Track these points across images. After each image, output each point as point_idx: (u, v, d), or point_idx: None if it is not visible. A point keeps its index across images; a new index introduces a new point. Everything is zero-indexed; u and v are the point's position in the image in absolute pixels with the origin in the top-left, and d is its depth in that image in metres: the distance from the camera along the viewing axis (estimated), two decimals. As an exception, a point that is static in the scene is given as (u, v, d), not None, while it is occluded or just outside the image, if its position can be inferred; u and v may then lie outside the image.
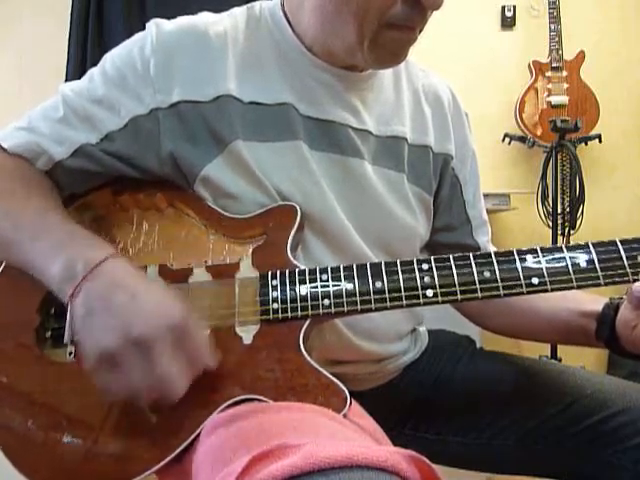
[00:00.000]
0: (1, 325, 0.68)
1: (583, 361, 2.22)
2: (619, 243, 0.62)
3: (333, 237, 0.74)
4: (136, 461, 0.59)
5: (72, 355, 0.66)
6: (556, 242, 2.26)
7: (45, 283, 0.63)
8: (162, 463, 0.59)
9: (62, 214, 0.69)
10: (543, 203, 2.31)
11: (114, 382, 0.57)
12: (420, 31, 0.72)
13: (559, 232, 2.27)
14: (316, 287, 0.64)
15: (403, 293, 0.63)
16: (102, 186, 0.76)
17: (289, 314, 0.63)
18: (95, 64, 0.77)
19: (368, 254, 0.77)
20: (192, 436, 0.59)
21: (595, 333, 0.75)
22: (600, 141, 2.36)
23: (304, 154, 0.74)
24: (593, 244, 0.63)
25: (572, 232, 2.26)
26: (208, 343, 0.60)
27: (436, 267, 0.63)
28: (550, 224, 2.28)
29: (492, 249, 0.92)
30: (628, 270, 0.61)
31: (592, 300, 0.79)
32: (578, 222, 2.25)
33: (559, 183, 2.30)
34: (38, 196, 0.70)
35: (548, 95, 2.47)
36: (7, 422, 0.63)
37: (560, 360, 2.16)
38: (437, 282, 0.63)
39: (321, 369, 0.60)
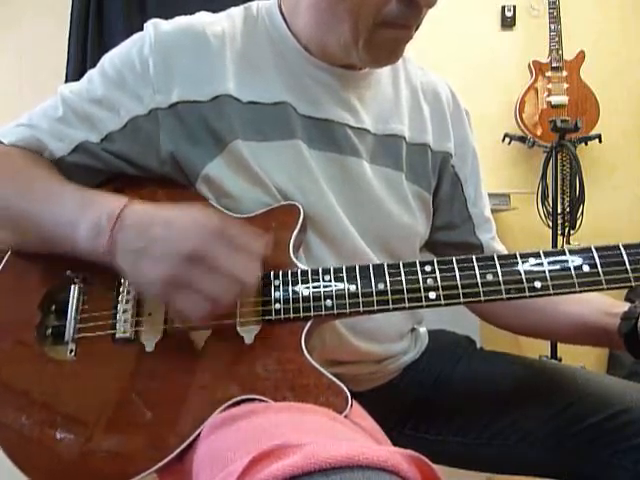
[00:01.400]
0: (2, 322, 0.68)
1: (583, 361, 2.22)
2: (622, 247, 0.62)
3: (332, 236, 0.74)
4: (136, 460, 0.60)
5: (72, 353, 0.66)
6: (556, 242, 2.26)
7: (75, 247, 0.64)
8: (162, 463, 0.59)
9: (72, 184, 0.70)
10: (543, 203, 2.31)
11: (192, 301, 0.59)
12: (416, 29, 0.72)
13: (559, 232, 2.27)
14: (318, 288, 0.64)
15: (406, 295, 0.63)
16: (103, 183, 0.76)
17: (291, 314, 0.63)
18: (95, 64, 0.77)
19: (367, 253, 0.77)
20: (192, 436, 0.59)
21: (617, 328, 0.74)
22: (600, 141, 2.36)
23: (303, 153, 0.74)
24: (596, 248, 0.62)
25: (572, 232, 2.25)
26: (252, 232, 0.63)
27: (439, 269, 0.63)
28: (550, 224, 2.28)
29: (498, 246, 0.92)
30: (631, 275, 0.61)
31: (617, 303, 0.79)
32: (578, 222, 2.25)
33: (559, 183, 2.30)
34: (45, 172, 0.71)
35: (548, 95, 2.47)
36: (7, 420, 0.63)
37: (560, 360, 2.16)
38: (440, 284, 0.62)
39: (322, 369, 0.60)
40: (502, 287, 0.62)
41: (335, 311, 0.63)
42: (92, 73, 0.76)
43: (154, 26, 0.75)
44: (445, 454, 0.85)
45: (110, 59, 0.75)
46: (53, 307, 0.69)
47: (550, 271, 0.62)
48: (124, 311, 0.66)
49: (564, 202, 2.30)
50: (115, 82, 0.73)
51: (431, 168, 0.85)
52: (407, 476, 0.41)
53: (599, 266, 0.61)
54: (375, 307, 0.63)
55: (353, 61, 0.75)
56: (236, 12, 0.80)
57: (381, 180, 0.79)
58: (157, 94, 0.72)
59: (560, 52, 2.48)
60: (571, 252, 0.63)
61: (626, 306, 0.76)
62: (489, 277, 0.62)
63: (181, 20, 0.76)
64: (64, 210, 0.65)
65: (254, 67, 0.76)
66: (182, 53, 0.73)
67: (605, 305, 0.79)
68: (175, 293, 0.59)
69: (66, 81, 2.44)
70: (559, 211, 2.28)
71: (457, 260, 0.63)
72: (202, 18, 0.77)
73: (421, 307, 0.63)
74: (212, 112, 0.72)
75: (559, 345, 2.20)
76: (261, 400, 0.59)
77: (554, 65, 2.48)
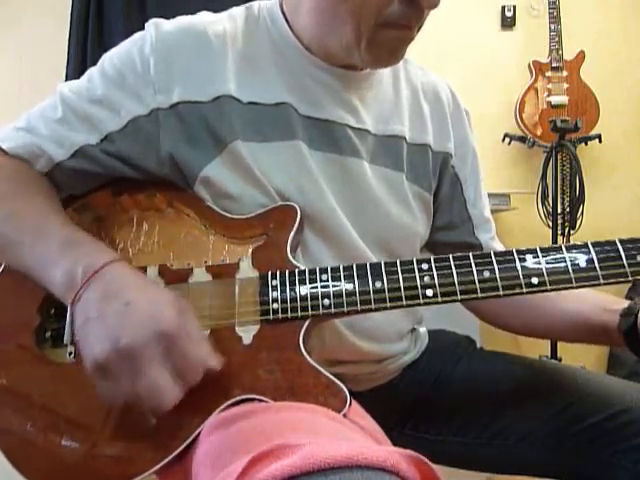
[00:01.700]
0: (1, 325, 0.68)
1: (583, 361, 2.22)
2: (619, 243, 0.62)
3: (332, 237, 0.74)
4: (136, 461, 0.59)
5: (72, 355, 0.66)
6: (556, 242, 2.26)
7: (48, 289, 0.63)
8: (162, 463, 0.59)
9: (62, 217, 0.69)
10: (543, 203, 2.31)
11: (109, 390, 0.58)
12: (418, 30, 0.72)
13: (559, 232, 2.27)
14: (316, 287, 0.64)
15: (403, 293, 0.63)
16: (102, 187, 0.76)
17: (289, 314, 0.63)
18: (95, 64, 0.77)
19: (367, 253, 0.77)
20: (192, 436, 0.59)
21: (617, 325, 0.74)
22: (600, 141, 2.36)
23: (303, 154, 0.74)
24: (592, 244, 0.63)
25: (572, 232, 2.26)
26: (206, 345, 0.59)
27: (436, 267, 0.63)
28: (550, 224, 2.28)
29: (497, 246, 0.92)
30: (627, 270, 0.61)
31: (617, 300, 0.79)
32: (578, 222, 2.25)
33: (559, 183, 2.30)
34: (38, 199, 0.70)
35: (548, 95, 2.47)
36: (7, 424, 0.63)
37: (560, 360, 2.16)
38: (437, 282, 0.63)
39: (321, 369, 0.60)
40: (499, 283, 0.62)
41: (333, 310, 0.63)
42: (92, 72, 0.76)
43: (155, 26, 0.74)
44: (445, 454, 0.85)
45: (110, 59, 0.75)
46: (52, 310, 0.69)
47: (547, 267, 0.62)
48: None
49: (564, 202, 2.30)
50: (115, 82, 0.73)
51: (431, 168, 0.85)
52: (406, 476, 0.41)
53: (596, 261, 0.61)
54: (373, 305, 0.63)
55: (355, 62, 0.75)
56: (237, 12, 0.80)
57: (381, 181, 0.79)
58: (158, 94, 0.72)
59: (560, 52, 2.48)
60: (568, 248, 0.63)
61: (625, 303, 0.76)
62: (486, 274, 0.62)
63: (182, 20, 0.76)
64: (45, 248, 0.64)
65: (255, 67, 0.75)
66: (183, 53, 0.73)
67: (604, 302, 0.79)
68: (100, 377, 0.57)
69: (66, 81, 2.44)
70: (559, 211, 2.28)
71: (454, 257, 0.64)
72: (203, 18, 0.77)
73: (419, 305, 0.63)
74: (213, 112, 0.72)
75: (559, 345, 2.20)
76: (260, 400, 0.59)
77: (554, 65, 2.48)
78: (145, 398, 0.56)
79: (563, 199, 2.30)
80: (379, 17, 0.68)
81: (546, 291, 0.62)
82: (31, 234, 0.65)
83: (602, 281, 0.61)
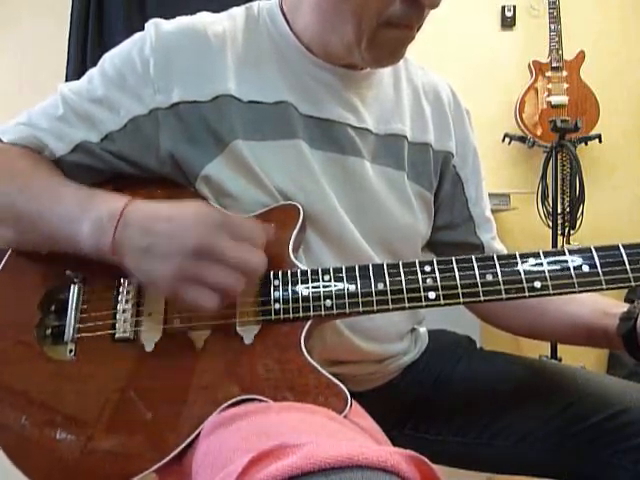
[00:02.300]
0: (1, 322, 0.68)
1: (583, 361, 2.22)
2: (622, 247, 0.62)
3: (334, 236, 0.74)
4: (136, 460, 0.60)
5: (72, 353, 0.66)
6: (556, 242, 2.26)
7: (77, 247, 0.64)
8: (162, 462, 0.59)
9: (72, 182, 0.71)
10: (543, 203, 2.31)
11: (202, 294, 0.59)
12: (418, 29, 0.72)
13: (559, 232, 2.27)
14: (318, 288, 0.64)
15: (405, 295, 0.63)
16: (103, 183, 0.76)
17: (290, 314, 0.63)
18: (95, 64, 0.77)
19: (369, 253, 0.77)
20: (192, 436, 0.59)
21: (617, 329, 0.74)
22: (600, 141, 2.36)
23: (304, 153, 0.74)
24: (595, 248, 0.62)
25: (572, 232, 2.26)
26: (254, 222, 0.65)
27: (439, 269, 0.63)
28: (550, 224, 2.28)
29: (498, 246, 0.92)
30: (630, 275, 0.60)
31: (616, 303, 0.79)
32: (578, 222, 2.25)
33: (559, 183, 2.30)
34: (47, 171, 0.71)
35: (548, 95, 2.47)
36: (7, 420, 0.63)
37: (560, 360, 2.16)
38: (439, 284, 0.62)
39: (322, 369, 0.60)
40: (502, 287, 0.62)
41: (335, 311, 0.63)
42: (92, 72, 0.76)
43: (155, 26, 0.75)
44: (445, 454, 0.85)
45: (110, 59, 0.75)
46: (53, 307, 0.69)
47: (550, 271, 0.62)
48: (124, 311, 0.66)
49: (564, 202, 2.30)
50: (115, 82, 0.73)
51: (433, 168, 0.85)
52: (406, 476, 0.41)
53: (599, 266, 0.61)
54: (375, 307, 0.63)
55: (355, 61, 0.75)
56: (237, 12, 0.80)
57: (383, 180, 0.79)
58: (157, 94, 0.72)
59: (560, 52, 2.48)
60: (571, 252, 0.63)
61: (625, 307, 0.76)
62: (489, 277, 0.62)
63: (182, 20, 0.76)
64: (65, 209, 0.66)
65: (255, 67, 0.75)
66: (183, 53, 0.73)
67: (604, 305, 0.78)
68: (185, 287, 0.59)
69: (66, 81, 2.44)
70: (559, 211, 2.28)
71: (457, 260, 0.63)
72: (203, 18, 0.77)
73: (421, 307, 0.63)
74: (212, 112, 0.72)
75: (559, 345, 2.19)
76: (260, 400, 0.59)
77: (554, 65, 2.48)
78: (241, 272, 0.59)
79: (563, 199, 2.30)
80: (381, 17, 0.68)
81: (548, 295, 0.62)
82: (48, 200, 0.67)
83: (605, 286, 0.61)
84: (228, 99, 0.73)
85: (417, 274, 0.63)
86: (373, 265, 0.65)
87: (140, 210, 0.63)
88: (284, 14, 0.78)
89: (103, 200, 0.65)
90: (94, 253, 0.64)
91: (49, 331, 0.68)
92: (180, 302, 0.61)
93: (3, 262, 0.71)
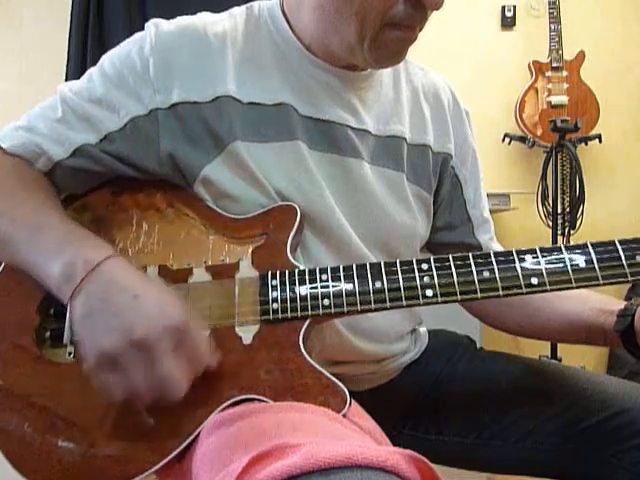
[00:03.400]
0: (0, 325, 0.68)
1: (583, 361, 2.23)
2: (618, 243, 0.62)
3: (332, 237, 0.74)
4: (136, 461, 0.59)
5: (71, 355, 0.66)
6: (556, 242, 2.26)
7: (44, 284, 0.63)
8: (162, 463, 0.59)
9: (61, 214, 0.69)
10: (543, 203, 2.31)
11: (114, 383, 0.57)
12: (420, 30, 0.72)
13: (559, 232, 2.27)
14: (316, 287, 0.64)
15: (403, 293, 0.63)
16: (101, 186, 0.76)
17: (289, 314, 0.63)
18: (95, 64, 0.77)
19: (367, 254, 0.77)
20: (192, 436, 0.59)
21: (614, 326, 0.74)
22: (600, 141, 2.36)
23: (303, 154, 0.74)
24: (592, 244, 0.63)
25: (572, 232, 2.26)
26: (208, 343, 0.60)
27: (435, 267, 0.63)
28: (550, 224, 2.28)
29: (496, 247, 0.92)
30: (627, 270, 0.61)
31: (613, 300, 0.79)
32: (578, 222, 2.25)
33: (559, 183, 2.30)
34: (37, 196, 0.70)
35: (548, 95, 2.47)
36: (6, 423, 0.63)
37: (560, 360, 2.16)
38: (436, 282, 0.63)
39: (321, 369, 0.60)
40: (499, 284, 0.62)
41: (333, 310, 0.63)
42: (92, 72, 0.76)
43: (155, 26, 0.74)
44: (445, 454, 0.85)
45: (110, 59, 0.75)
46: (52, 310, 0.69)
47: (547, 267, 0.62)
48: None
49: (564, 202, 2.30)
50: (115, 82, 0.73)
51: (432, 169, 0.85)
52: (406, 476, 0.41)
53: (595, 262, 0.61)
54: (372, 305, 0.63)
55: (357, 62, 0.75)
56: (238, 12, 0.80)
57: (382, 181, 0.79)
58: (157, 94, 0.72)
59: (560, 52, 2.48)
60: (567, 248, 0.63)
61: (623, 304, 0.76)
62: (485, 274, 0.62)
63: (182, 20, 0.76)
64: (42, 244, 0.64)
65: (255, 67, 0.75)
66: (182, 53, 0.73)
67: (602, 303, 0.79)
68: (105, 370, 0.57)
69: (66, 81, 2.44)
70: (559, 211, 2.28)
71: (454, 258, 0.64)
72: (203, 18, 0.77)
73: (418, 305, 0.63)
74: (212, 113, 0.72)
75: (559, 345, 2.20)
76: (260, 400, 0.59)
77: (554, 65, 2.48)
78: (158, 388, 0.56)
79: (563, 199, 2.30)
80: (383, 18, 0.68)
81: (545, 291, 0.62)
82: (29, 230, 0.65)
83: (601, 281, 0.61)
84: (228, 100, 0.73)
85: (414, 272, 0.63)
86: (370, 264, 0.65)
87: (116, 270, 0.61)
88: (285, 14, 0.78)
89: (84, 245, 0.63)
90: (54, 292, 0.62)
91: (48, 334, 0.68)
92: (94, 380, 0.58)
93: (2, 265, 0.71)
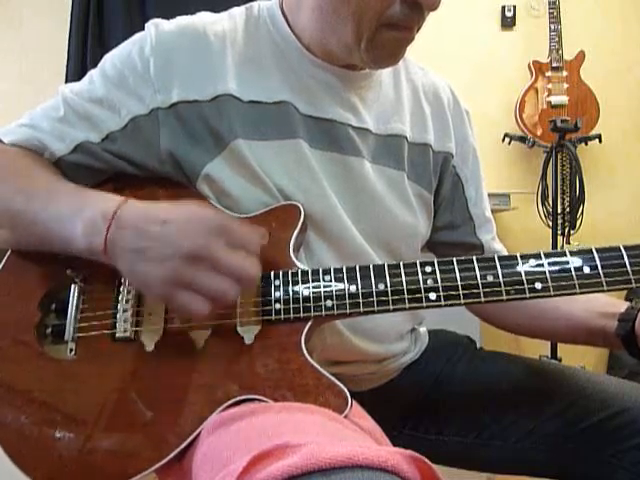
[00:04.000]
0: (1, 321, 0.68)
1: (583, 361, 2.23)
2: (623, 249, 0.62)
3: (334, 236, 0.74)
4: (136, 459, 0.59)
5: (72, 352, 0.66)
6: (556, 242, 2.26)
7: (71, 248, 0.64)
8: (162, 462, 0.59)
9: (69, 183, 0.70)
10: (543, 203, 2.31)
11: (193, 300, 0.58)
12: (417, 30, 0.72)
13: (559, 232, 2.27)
14: (318, 288, 0.64)
15: (406, 295, 0.63)
16: (103, 183, 0.76)
17: (291, 315, 0.63)
18: (95, 64, 0.78)
19: (369, 252, 0.77)
20: (192, 436, 0.59)
21: (615, 330, 0.75)
22: (600, 141, 2.36)
23: (304, 152, 0.74)
24: (597, 249, 0.62)
25: (572, 232, 2.26)
26: (250, 227, 0.63)
27: (439, 270, 0.63)
28: (550, 224, 2.28)
29: (497, 246, 0.92)
30: (632, 277, 0.61)
31: (615, 302, 0.79)
32: (578, 222, 2.25)
33: (559, 183, 2.30)
34: (45, 171, 0.71)
35: (548, 95, 2.47)
36: (7, 419, 0.63)
37: (560, 360, 2.16)
38: (440, 285, 0.62)
39: (322, 370, 0.60)
40: (502, 288, 0.62)
41: (335, 311, 0.63)
42: (93, 73, 0.76)
43: (155, 26, 0.75)
44: (445, 454, 0.85)
45: (111, 59, 0.75)
46: (53, 306, 0.69)
47: (550, 272, 0.62)
48: (124, 311, 0.66)
49: (564, 202, 2.30)
50: (116, 82, 0.73)
51: (432, 168, 0.85)
52: (407, 476, 0.41)
53: (600, 267, 0.61)
54: (375, 307, 0.63)
55: (354, 61, 0.75)
56: (237, 12, 0.80)
57: (383, 180, 0.80)
58: (158, 94, 0.72)
59: (560, 52, 2.48)
60: (572, 253, 0.63)
61: (623, 306, 0.76)
62: (489, 278, 0.62)
63: (182, 20, 0.76)
64: (60, 209, 0.65)
65: (255, 67, 0.76)
66: (183, 53, 0.73)
67: (602, 305, 0.78)
68: (176, 293, 0.59)
69: (66, 81, 2.45)
70: (559, 211, 2.28)
71: (457, 261, 0.63)
72: (203, 18, 0.77)
73: (421, 308, 0.63)
74: (213, 112, 0.72)
75: (559, 345, 2.20)
76: (261, 400, 0.59)
77: (554, 65, 2.48)
78: (235, 278, 0.59)
79: (563, 199, 2.30)
80: (380, 18, 0.68)
81: (549, 296, 0.62)
82: (42, 198, 0.67)
83: (605, 287, 0.61)
84: (228, 99, 0.73)
85: (418, 275, 0.63)
86: (374, 265, 0.65)
87: (134, 211, 0.62)
88: (284, 14, 0.78)
89: (97, 200, 0.65)
90: (86, 253, 0.63)
91: (49, 330, 0.68)
92: (172, 306, 0.61)
93: (3, 262, 0.71)
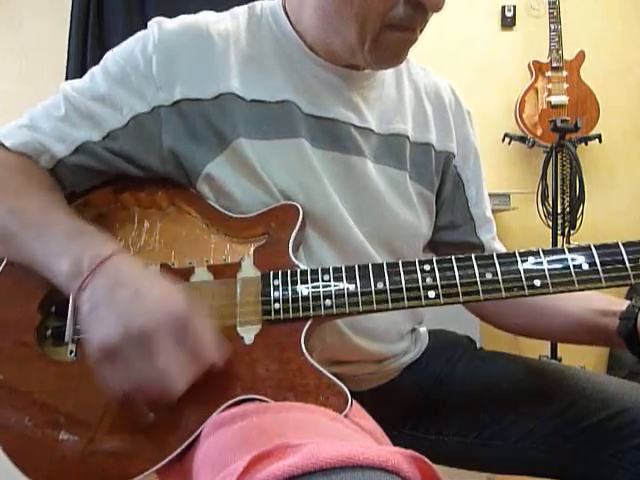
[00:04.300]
0: (2, 323, 0.68)
1: (583, 361, 2.23)
2: (621, 245, 0.62)
3: (335, 235, 0.74)
4: (137, 460, 0.59)
5: (73, 354, 0.66)
6: (556, 242, 2.26)
7: (51, 280, 0.63)
8: (162, 462, 0.59)
9: (65, 210, 0.70)
10: (543, 203, 2.31)
11: (114, 377, 0.57)
12: (420, 31, 0.72)
13: (559, 232, 2.27)
14: (318, 287, 0.64)
15: (405, 294, 0.63)
16: (103, 184, 0.76)
17: (291, 314, 0.63)
18: (95, 64, 0.77)
19: (370, 252, 0.77)
20: (193, 436, 0.59)
21: (617, 329, 0.75)
22: (600, 141, 2.36)
23: (306, 152, 0.74)
24: (595, 246, 0.63)
25: (572, 232, 2.26)
26: (213, 338, 0.60)
27: (438, 268, 0.63)
28: (550, 224, 2.28)
29: (498, 246, 0.93)
30: (630, 272, 0.61)
31: (615, 300, 0.79)
32: (578, 222, 2.25)
33: (559, 183, 2.30)
34: (41, 192, 0.70)
35: (548, 95, 2.47)
36: (7, 421, 0.63)
37: (560, 360, 2.16)
38: (439, 283, 0.62)
39: (322, 369, 0.60)
40: (501, 285, 0.62)
41: (335, 311, 0.63)
42: (94, 71, 0.76)
43: (158, 25, 0.75)
44: (445, 454, 0.85)
45: (113, 57, 0.75)
46: (53, 308, 0.69)
47: (549, 269, 0.62)
48: None
49: (564, 202, 2.30)
50: (118, 80, 0.73)
51: (434, 168, 0.85)
52: (407, 476, 0.41)
53: (598, 264, 0.61)
54: (374, 306, 0.63)
55: (358, 62, 0.75)
56: (240, 11, 0.80)
57: (385, 179, 0.80)
58: (160, 92, 0.72)
59: (560, 52, 2.49)
60: (570, 250, 0.63)
61: (624, 305, 0.76)
62: (488, 275, 0.62)
63: (185, 19, 0.76)
64: (50, 241, 0.64)
65: (258, 66, 0.76)
66: (185, 51, 0.73)
67: (604, 304, 0.79)
68: (105, 363, 0.57)
69: (66, 81, 2.44)
70: (559, 211, 2.28)
71: (456, 259, 0.64)
72: (206, 17, 0.77)
73: (420, 306, 0.63)
74: (215, 110, 0.72)
75: (559, 345, 2.20)
76: (261, 400, 0.59)
77: (554, 65, 2.48)
78: (156, 382, 0.56)
79: (563, 199, 2.30)
80: (384, 19, 0.68)
81: (548, 293, 0.62)
82: (36, 226, 0.66)
83: (604, 284, 0.61)
84: (231, 97, 0.73)
85: (417, 273, 0.63)
86: (373, 264, 0.65)
87: (120, 266, 0.61)
88: (287, 14, 0.78)
89: (90, 241, 0.64)
90: (63, 289, 0.63)
91: (49, 332, 0.68)
92: (94, 372, 0.58)
93: (3, 264, 0.71)
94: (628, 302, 0.76)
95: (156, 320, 0.56)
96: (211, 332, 0.60)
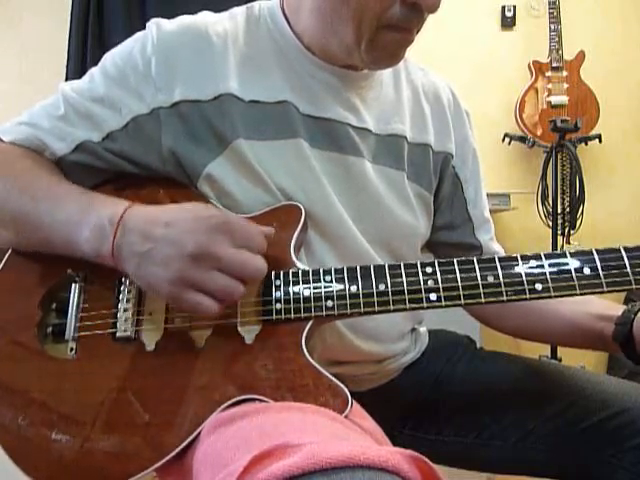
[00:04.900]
0: (2, 321, 0.68)
1: (583, 361, 2.23)
2: (623, 250, 0.62)
3: (335, 235, 0.74)
4: (136, 459, 0.59)
5: (73, 351, 0.66)
6: (556, 242, 2.26)
7: (74, 252, 0.65)
8: (162, 462, 0.59)
9: (73, 184, 0.71)
10: (543, 203, 2.31)
11: (200, 300, 0.60)
12: (417, 32, 0.72)
13: (559, 232, 2.27)
14: (319, 288, 0.64)
15: (406, 296, 0.63)
16: (104, 183, 0.76)
17: (292, 315, 0.63)
18: (95, 64, 0.78)
19: (369, 252, 0.77)
20: (192, 435, 0.59)
21: (612, 335, 0.75)
22: (600, 141, 2.36)
23: (304, 152, 0.74)
24: (597, 251, 0.62)
25: (572, 232, 2.26)
26: (254, 226, 0.64)
27: (440, 271, 0.63)
28: (550, 224, 2.28)
29: (496, 247, 0.93)
30: (632, 278, 0.61)
31: (612, 305, 0.79)
32: (578, 222, 2.25)
33: (559, 183, 2.30)
34: (47, 172, 0.72)
35: (548, 95, 2.47)
36: (7, 419, 0.63)
37: (560, 360, 2.16)
38: (441, 285, 0.62)
39: (322, 370, 0.60)
40: (503, 289, 0.62)
41: (336, 312, 0.63)
42: (94, 71, 0.76)
43: (157, 25, 0.75)
44: (445, 454, 0.85)
45: (112, 58, 0.75)
46: (54, 305, 0.69)
47: (551, 273, 0.62)
48: (125, 310, 0.66)
49: (564, 202, 2.30)
50: (117, 81, 0.73)
51: (432, 168, 0.85)
52: (408, 476, 0.41)
53: (600, 269, 0.61)
54: (376, 308, 0.63)
55: (355, 62, 0.75)
56: (238, 12, 0.80)
57: (383, 180, 0.80)
58: (159, 93, 0.72)
59: (560, 52, 2.49)
60: (572, 255, 0.63)
61: (620, 309, 0.76)
62: (490, 279, 0.62)
63: (184, 19, 0.76)
64: (65, 213, 0.66)
65: (256, 66, 0.76)
66: (184, 52, 0.73)
67: (601, 308, 0.79)
68: (184, 293, 0.60)
69: (66, 81, 2.44)
70: (559, 211, 2.28)
71: (458, 262, 0.63)
72: (205, 18, 0.77)
73: (422, 308, 0.63)
74: (214, 111, 0.72)
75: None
76: (261, 400, 0.59)
77: (554, 65, 2.48)
78: (242, 274, 0.60)
79: (563, 199, 2.30)
80: (380, 20, 0.68)
81: (549, 297, 0.62)
82: (48, 203, 0.67)
83: (606, 289, 0.61)
84: (230, 98, 0.73)
85: (418, 275, 0.63)
86: (374, 266, 0.65)
87: (139, 215, 0.63)
88: (285, 14, 0.78)
89: (103, 205, 0.66)
90: (93, 257, 0.64)
91: (50, 330, 0.68)
92: (179, 307, 0.62)
93: (4, 261, 0.71)
94: (624, 307, 0.76)
95: (200, 234, 0.60)
96: (245, 219, 0.65)
